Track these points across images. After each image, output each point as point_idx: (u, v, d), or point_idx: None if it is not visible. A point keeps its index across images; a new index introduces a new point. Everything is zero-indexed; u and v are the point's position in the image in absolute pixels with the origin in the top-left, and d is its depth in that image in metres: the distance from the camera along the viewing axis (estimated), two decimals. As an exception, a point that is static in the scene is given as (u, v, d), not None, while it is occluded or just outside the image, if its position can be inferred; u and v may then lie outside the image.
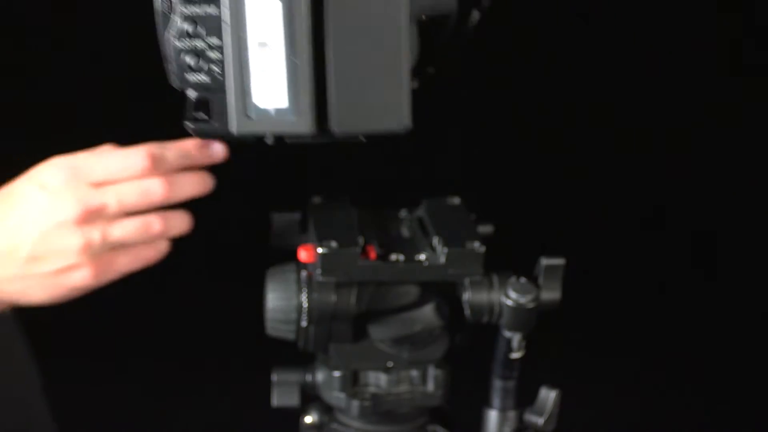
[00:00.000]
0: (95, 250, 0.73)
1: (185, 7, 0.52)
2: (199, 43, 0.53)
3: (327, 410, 0.83)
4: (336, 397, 0.80)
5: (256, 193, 1.58)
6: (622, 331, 2.11)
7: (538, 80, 2.32)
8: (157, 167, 0.72)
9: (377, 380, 0.80)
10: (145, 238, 0.74)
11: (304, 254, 0.78)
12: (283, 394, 0.82)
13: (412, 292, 0.80)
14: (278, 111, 0.51)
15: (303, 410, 0.83)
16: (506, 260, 0.78)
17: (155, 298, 1.85)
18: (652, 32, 2.30)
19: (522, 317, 0.75)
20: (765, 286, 2.18)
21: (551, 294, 0.78)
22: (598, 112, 2.34)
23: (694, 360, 2.06)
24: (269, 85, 0.51)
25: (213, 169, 0.74)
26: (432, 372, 0.81)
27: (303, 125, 0.51)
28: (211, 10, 0.52)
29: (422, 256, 0.77)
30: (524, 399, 0.81)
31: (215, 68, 0.54)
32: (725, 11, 2.29)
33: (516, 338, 0.77)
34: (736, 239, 2.29)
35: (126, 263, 0.76)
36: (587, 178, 2.34)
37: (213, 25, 0.52)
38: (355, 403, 0.79)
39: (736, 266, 2.26)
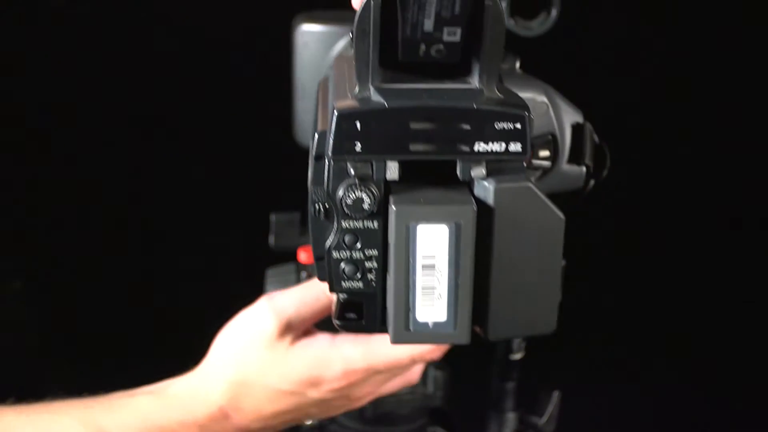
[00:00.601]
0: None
1: (346, 222, 0.52)
2: (356, 254, 0.53)
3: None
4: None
5: (256, 193, 1.58)
6: (623, 330, 2.11)
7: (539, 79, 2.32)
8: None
9: (377, 381, 0.80)
10: None
11: (304, 256, 0.78)
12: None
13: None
14: (436, 324, 0.52)
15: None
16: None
17: (155, 298, 1.85)
18: (642, 31, 2.31)
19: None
20: (764, 285, 2.19)
21: (551, 295, 0.78)
22: (598, 110, 2.34)
23: (695, 360, 2.06)
24: (430, 302, 0.52)
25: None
26: (432, 373, 0.81)
27: (461, 337, 0.52)
28: (371, 224, 0.52)
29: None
30: (524, 400, 0.81)
31: (370, 276, 0.54)
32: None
33: (516, 339, 0.77)
34: (737, 238, 2.29)
35: None
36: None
37: (372, 239, 0.53)
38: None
39: (736, 265, 2.26)
